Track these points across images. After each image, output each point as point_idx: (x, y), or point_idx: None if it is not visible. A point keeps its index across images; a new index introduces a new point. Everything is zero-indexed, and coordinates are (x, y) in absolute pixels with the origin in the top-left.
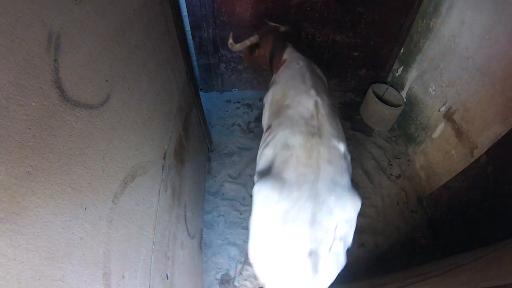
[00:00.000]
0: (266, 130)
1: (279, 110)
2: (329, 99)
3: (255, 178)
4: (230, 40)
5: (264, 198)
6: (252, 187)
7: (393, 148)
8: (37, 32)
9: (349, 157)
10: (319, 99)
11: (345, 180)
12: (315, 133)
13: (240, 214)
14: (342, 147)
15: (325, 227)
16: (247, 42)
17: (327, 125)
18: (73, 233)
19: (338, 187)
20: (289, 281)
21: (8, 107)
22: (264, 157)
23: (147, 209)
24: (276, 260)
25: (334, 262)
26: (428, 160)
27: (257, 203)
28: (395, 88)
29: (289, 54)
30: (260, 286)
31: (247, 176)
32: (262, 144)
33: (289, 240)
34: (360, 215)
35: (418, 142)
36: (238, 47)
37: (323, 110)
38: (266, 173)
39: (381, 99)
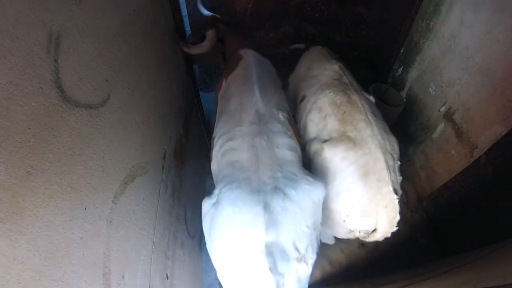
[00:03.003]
0: (301, 101)
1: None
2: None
3: (316, 145)
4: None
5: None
6: None
7: None
8: (37, 32)
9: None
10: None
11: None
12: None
13: None
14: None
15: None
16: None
17: None
18: (73, 233)
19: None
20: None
21: (8, 107)
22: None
23: (147, 209)
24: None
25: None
26: (428, 160)
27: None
28: (395, 88)
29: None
30: None
31: None
32: (303, 113)
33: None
34: None
35: (418, 142)
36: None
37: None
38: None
39: (381, 99)
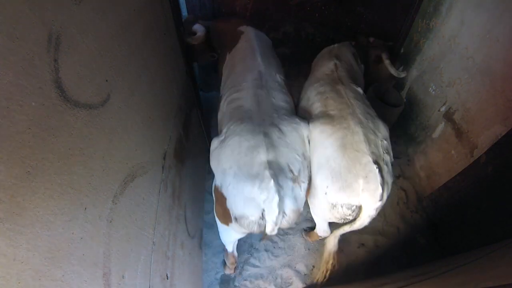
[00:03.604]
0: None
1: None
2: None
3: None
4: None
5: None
6: None
7: (393, 148)
8: (37, 32)
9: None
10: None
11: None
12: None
13: None
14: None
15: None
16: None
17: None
18: (73, 233)
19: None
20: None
21: (8, 107)
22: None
23: (147, 209)
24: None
25: (388, 168)
26: (428, 160)
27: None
28: (395, 88)
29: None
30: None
31: None
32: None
33: (355, 157)
34: None
35: (418, 142)
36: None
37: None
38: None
39: (381, 99)
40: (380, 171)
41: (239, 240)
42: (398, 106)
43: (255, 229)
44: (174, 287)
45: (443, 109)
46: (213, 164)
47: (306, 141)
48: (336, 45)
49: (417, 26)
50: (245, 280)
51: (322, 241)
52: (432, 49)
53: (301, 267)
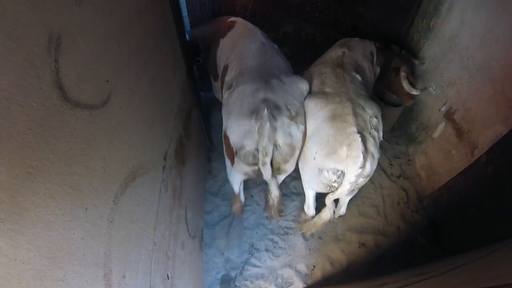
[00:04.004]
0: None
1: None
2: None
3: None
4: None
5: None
6: (252, 187)
7: (393, 148)
8: (37, 33)
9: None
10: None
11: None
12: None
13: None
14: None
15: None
16: None
17: None
18: (74, 233)
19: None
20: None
21: (9, 108)
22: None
23: (147, 209)
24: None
25: (374, 142)
26: (428, 160)
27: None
28: None
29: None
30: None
31: None
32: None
33: (342, 127)
34: (361, 215)
35: (419, 142)
36: None
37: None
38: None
39: (381, 99)
40: (364, 141)
41: (240, 241)
42: (398, 106)
43: (250, 160)
44: (175, 287)
45: (443, 109)
46: (223, 111)
47: (305, 94)
48: (356, 38)
49: (417, 26)
50: (246, 280)
51: (322, 241)
52: (432, 49)
53: (302, 267)
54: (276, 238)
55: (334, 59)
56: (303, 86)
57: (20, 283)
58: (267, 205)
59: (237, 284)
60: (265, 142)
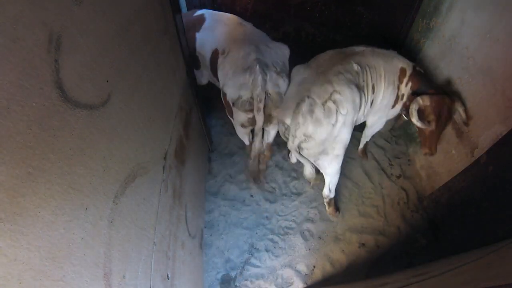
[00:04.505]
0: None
1: None
2: None
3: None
4: None
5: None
6: (252, 187)
7: (393, 148)
8: (38, 33)
9: None
10: None
11: None
12: None
13: (241, 214)
14: None
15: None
16: None
17: None
18: (74, 234)
19: None
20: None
21: (9, 108)
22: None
23: (148, 209)
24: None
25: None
26: (428, 160)
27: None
28: None
29: None
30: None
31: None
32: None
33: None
34: (361, 215)
35: (419, 142)
36: None
37: None
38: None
39: None
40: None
41: (240, 241)
42: None
43: (246, 107)
44: (175, 287)
45: None
46: (220, 74)
47: (287, 56)
48: (392, 51)
49: (417, 25)
50: (246, 280)
51: (322, 241)
52: (432, 49)
53: (302, 267)
54: (276, 238)
55: (347, 50)
56: (285, 50)
57: (20, 283)
58: (245, 166)
59: (237, 284)
60: (258, 91)
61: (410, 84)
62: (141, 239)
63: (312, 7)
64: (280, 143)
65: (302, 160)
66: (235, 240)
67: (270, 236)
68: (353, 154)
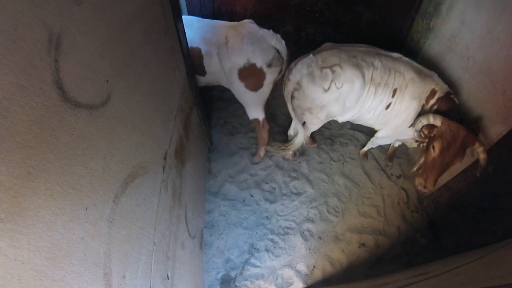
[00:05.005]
0: None
1: None
2: None
3: None
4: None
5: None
6: (252, 187)
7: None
8: (37, 33)
9: None
10: None
11: None
12: None
13: (241, 214)
14: None
15: None
16: None
17: None
18: (74, 234)
19: None
20: None
21: (9, 108)
22: None
23: (148, 209)
24: None
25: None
26: None
27: None
28: None
29: None
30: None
31: (248, 176)
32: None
33: None
34: (361, 215)
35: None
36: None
37: None
38: None
39: None
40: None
41: (240, 241)
42: None
43: (280, 62)
44: (175, 287)
45: None
46: (234, 58)
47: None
48: (422, 67)
49: (417, 25)
50: (246, 280)
51: (322, 241)
52: (433, 49)
53: (302, 267)
54: (276, 238)
55: (383, 51)
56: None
57: (20, 283)
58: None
59: (237, 284)
60: (283, 45)
61: (435, 107)
62: (141, 239)
63: (312, 7)
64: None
65: (292, 114)
66: (235, 240)
67: (270, 236)
68: (353, 154)
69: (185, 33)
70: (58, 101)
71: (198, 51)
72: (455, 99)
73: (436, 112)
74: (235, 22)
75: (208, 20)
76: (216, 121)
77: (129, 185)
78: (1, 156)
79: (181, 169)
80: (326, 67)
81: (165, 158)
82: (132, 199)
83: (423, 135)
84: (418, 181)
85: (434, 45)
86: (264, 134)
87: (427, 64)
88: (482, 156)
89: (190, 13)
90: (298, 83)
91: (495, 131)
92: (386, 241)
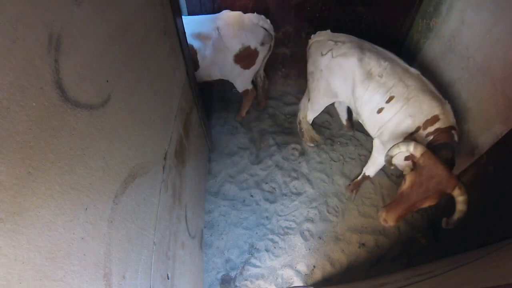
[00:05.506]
0: None
1: None
2: None
3: None
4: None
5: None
6: (252, 187)
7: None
8: (37, 33)
9: None
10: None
11: None
12: None
13: (241, 214)
14: None
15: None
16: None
17: None
18: (74, 234)
19: None
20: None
21: (9, 108)
22: None
23: (148, 209)
24: None
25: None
26: None
27: None
28: None
29: None
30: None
31: (248, 176)
32: None
33: None
34: (361, 215)
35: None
36: None
37: None
38: None
39: None
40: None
41: (240, 241)
42: None
43: (267, 39)
44: (175, 287)
45: None
46: (231, 45)
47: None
48: (437, 91)
49: (417, 25)
50: (246, 280)
51: (322, 241)
52: (433, 49)
53: (302, 267)
54: (276, 238)
55: (404, 64)
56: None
57: (20, 283)
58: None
59: (237, 284)
60: (268, 24)
61: (431, 137)
62: (141, 239)
63: (312, 7)
64: (280, 144)
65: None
66: (235, 240)
67: (270, 236)
68: (353, 154)
69: (185, 33)
70: (58, 101)
71: (190, 47)
72: (456, 136)
73: (431, 143)
74: (217, 14)
75: (190, 17)
76: (216, 121)
77: (129, 185)
78: (1, 156)
79: (181, 169)
80: (332, 40)
81: (165, 158)
82: (132, 199)
83: (392, 163)
84: (380, 213)
85: (434, 45)
86: (251, 99)
87: (427, 64)
88: (460, 208)
89: (190, 13)
90: (309, 47)
91: (495, 131)
92: (386, 241)
